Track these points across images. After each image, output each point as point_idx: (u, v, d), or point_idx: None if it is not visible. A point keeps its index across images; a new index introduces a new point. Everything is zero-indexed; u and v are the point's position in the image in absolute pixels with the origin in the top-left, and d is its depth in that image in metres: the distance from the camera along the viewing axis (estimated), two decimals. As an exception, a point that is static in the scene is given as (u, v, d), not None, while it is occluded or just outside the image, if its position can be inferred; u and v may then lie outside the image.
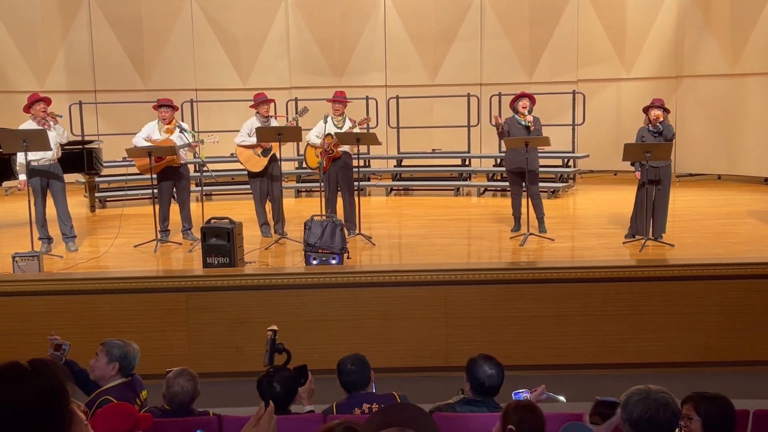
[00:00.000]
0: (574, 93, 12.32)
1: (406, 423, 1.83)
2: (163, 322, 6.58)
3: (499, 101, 11.94)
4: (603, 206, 10.61)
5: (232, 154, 9.72)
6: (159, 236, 8.44)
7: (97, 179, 11.01)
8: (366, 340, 6.35)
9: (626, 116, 12.68)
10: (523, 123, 8.57)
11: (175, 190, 8.80)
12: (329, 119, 8.65)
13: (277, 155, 8.66)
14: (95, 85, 13.28)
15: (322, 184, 8.82)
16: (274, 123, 8.90)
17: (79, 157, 9.94)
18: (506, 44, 13.49)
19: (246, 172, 9.13)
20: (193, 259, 8.02)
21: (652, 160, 7.93)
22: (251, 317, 6.54)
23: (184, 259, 8.24)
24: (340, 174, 8.83)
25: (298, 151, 12.07)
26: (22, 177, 8.08)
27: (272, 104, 8.96)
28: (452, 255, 8.05)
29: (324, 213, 8.16)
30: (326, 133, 8.65)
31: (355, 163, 8.92)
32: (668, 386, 3.11)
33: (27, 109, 8.15)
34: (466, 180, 12.41)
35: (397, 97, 12.57)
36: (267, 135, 8.49)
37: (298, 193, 12.29)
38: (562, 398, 4.01)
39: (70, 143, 9.41)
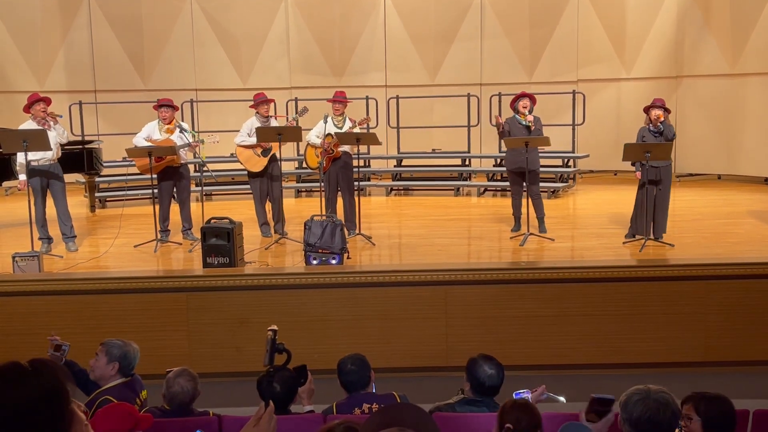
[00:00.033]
0: (574, 93, 12.33)
1: (406, 423, 1.83)
2: (163, 322, 6.58)
3: (499, 101, 11.94)
4: (603, 206, 10.61)
5: (232, 154, 9.72)
6: (159, 236, 8.44)
7: (97, 179, 11.01)
8: (366, 340, 6.34)
9: (626, 116, 12.69)
10: (524, 123, 8.57)
11: (175, 190, 8.80)
12: (329, 119, 8.65)
13: (277, 155, 8.66)
14: (95, 85, 13.28)
15: (322, 184, 8.82)
16: (273, 123, 8.90)
17: (79, 157, 9.94)
18: (506, 44, 13.49)
19: (246, 172, 9.13)
20: (193, 259, 8.02)
21: (652, 160, 7.93)
22: (251, 317, 6.54)
23: (184, 259, 8.24)
24: (340, 174, 8.83)
25: (298, 151, 12.07)
26: (22, 177, 8.07)
27: (272, 104, 8.96)
28: (452, 255, 8.05)
29: (324, 213, 8.16)
30: (326, 133, 8.66)
31: (355, 163, 8.92)
32: (668, 386, 3.11)
33: (27, 109, 8.15)
34: (466, 180, 12.41)
35: (397, 97, 12.57)
36: (267, 135, 8.49)
37: (298, 193, 12.29)
38: (562, 399, 4.01)
39: (70, 143, 9.41)
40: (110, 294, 6.66)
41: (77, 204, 10.82)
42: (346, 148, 8.77)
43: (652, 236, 8.00)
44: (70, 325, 6.29)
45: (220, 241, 7.33)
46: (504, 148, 9.36)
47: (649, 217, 8.03)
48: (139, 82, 13.34)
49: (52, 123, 8.12)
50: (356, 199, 8.79)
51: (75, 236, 8.43)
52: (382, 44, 13.60)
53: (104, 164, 10.64)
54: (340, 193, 8.91)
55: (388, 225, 10.00)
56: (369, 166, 12.64)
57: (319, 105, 9.75)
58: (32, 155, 7.92)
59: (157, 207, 8.60)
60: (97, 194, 11.06)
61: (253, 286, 6.71)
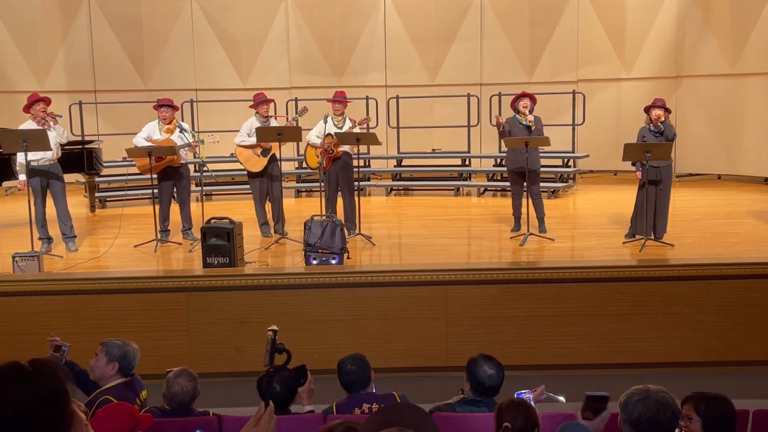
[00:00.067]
0: (574, 93, 12.33)
1: (406, 423, 1.83)
2: (163, 322, 6.58)
3: (499, 101, 11.94)
4: (603, 206, 10.61)
5: (232, 154, 9.72)
6: (159, 236, 8.44)
7: (97, 179, 11.01)
8: (366, 340, 6.34)
9: (626, 116, 12.69)
10: (524, 123, 8.57)
11: (175, 190, 8.80)
12: (329, 119, 8.64)
13: (277, 155, 8.66)
14: (95, 85, 13.28)
15: (322, 184, 8.82)
16: (273, 123, 8.90)
17: (79, 157, 9.94)
18: (506, 44, 13.49)
19: (246, 172, 9.13)
20: (193, 259, 8.02)
21: (652, 160, 7.93)
22: (251, 317, 6.54)
23: (184, 259, 8.24)
24: (340, 174, 8.83)
25: (298, 151, 12.07)
26: (22, 177, 8.07)
27: (272, 104, 8.96)
28: (452, 255, 8.05)
29: (324, 213, 8.16)
30: (326, 133, 8.65)
31: (355, 163, 8.92)
32: (668, 386, 3.12)
33: (27, 109, 8.15)
34: (466, 180, 12.42)
35: (397, 97, 12.57)
36: (267, 135, 8.49)
37: (298, 193, 12.29)
38: (561, 398, 4.01)
39: (70, 143, 9.41)
40: (110, 294, 6.66)
41: (77, 204, 10.82)
42: (346, 148, 8.77)
43: (652, 236, 8.00)
44: (70, 325, 6.29)
45: (220, 241, 7.33)
46: (504, 148, 9.36)
47: (649, 217, 8.03)
48: (139, 82, 13.34)
49: (51, 123, 8.12)
50: (356, 199, 8.79)
51: (75, 236, 8.43)
52: (382, 44, 13.60)
53: (104, 164, 10.64)
54: (340, 193, 8.91)
55: (388, 225, 10.00)
56: (369, 166, 12.64)
57: (319, 105, 9.75)
58: (32, 155, 7.92)
59: (157, 207, 8.60)
60: (97, 194, 11.06)
61: (253, 286, 6.71)
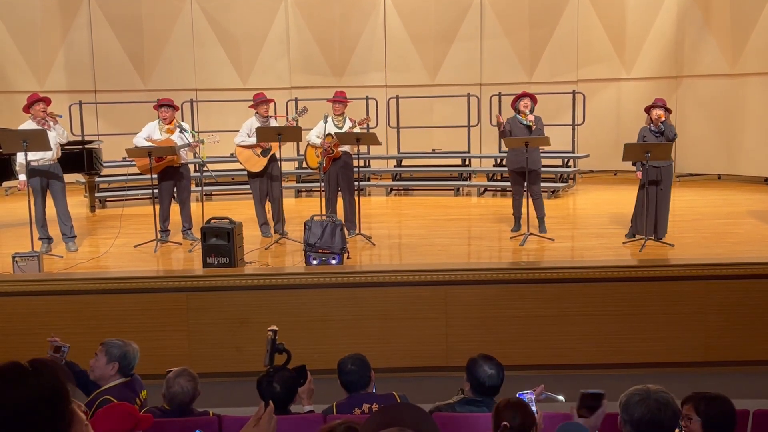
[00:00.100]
0: (574, 93, 12.33)
1: (406, 423, 1.83)
2: (163, 322, 6.58)
3: (499, 101, 11.94)
4: (603, 206, 10.61)
5: (232, 154, 9.72)
6: (159, 236, 8.44)
7: (97, 179, 11.01)
8: (366, 340, 6.34)
9: (626, 116, 12.69)
10: (525, 122, 8.57)
11: (175, 189, 8.80)
12: (329, 119, 8.64)
13: (277, 155, 8.66)
14: (95, 85, 13.28)
15: (322, 184, 8.82)
16: (273, 123, 8.90)
17: (79, 157, 9.94)
18: (506, 44, 13.50)
19: (246, 172, 9.13)
20: (193, 259, 8.02)
21: (652, 160, 7.93)
22: (251, 317, 6.54)
23: (184, 259, 8.24)
24: (340, 174, 8.83)
25: (298, 151, 12.07)
26: (22, 177, 8.07)
27: (272, 104, 8.96)
28: (452, 255, 8.05)
29: (324, 213, 8.16)
30: (326, 133, 8.65)
31: (355, 163, 8.92)
32: (668, 386, 3.12)
33: (27, 109, 8.15)
34: (466, 180, 12.42)
35: (397, 97, 12.57)
36: (267, 135, 8.49)
37: (298, 193, 12.29)
38: (561, 398, 4.01)
39: (70, 143, 9.41)
40: (110, 294, 6.66)
41: (77, 204, 10.82)
42: (346, 148, 8.77)
43: (652, 236, 8.00)
44: (70, 325, 6.29)
45: (220, 241, 7.33)
46: (504, 148, 9.35)
47: (650, 217, 8.03)
48: (139, 82, 13.34)
49: (51, 123, 8.12)
50: (356, 199, 8.79)
51: (75, 236, 8.43)
52: (382, 44, 13.60)
53: (104, 164, 10.64)
54: (340, 193, 8.91)
55: (388, 225, 10.00)
56: (369, 166, 12.64)
57: (319, 105, 9.75)
58: (32, 155, 7.92)
59: (157, 207, 8.60)
60: (97, 194, 11.06)
61: (253, 286, 6.71)
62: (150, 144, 8.45)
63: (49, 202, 8.22)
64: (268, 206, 8.95)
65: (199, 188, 9.66)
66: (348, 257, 7.69)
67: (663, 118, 8.08)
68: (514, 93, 9.31)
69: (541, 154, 9.08)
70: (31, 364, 1.83)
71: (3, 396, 1.76)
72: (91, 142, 10.75)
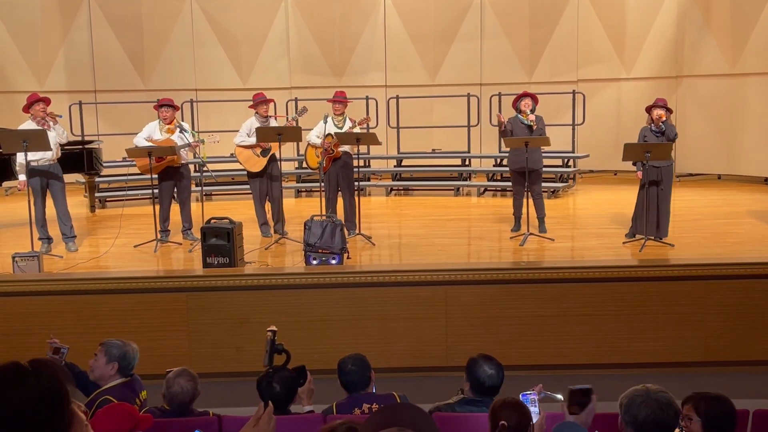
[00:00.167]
0: (574, 93, 12.33)
1: (405, 423, 1.83)
2: (163, 322, 6.58)
3: (499, 101, 11.94)
4: (603, 206, 10.61)
5: (232, 154, 9.72)
6: (159, 236, 8.44)
7: (97, 179, 11.01)
8: (366, 340, 6.34)
9: (626, 116, 12.70)
10: (526, 122, 8.57)
11: (175, 189, 8.80)
12: (329, 119, 8.65)
13: (277, 155, 8.65)
14: (95, 85, 13.28)
15: (323, 184, 8.82)
16: (273, 123, 8.90)
17: (79, 157, 9.94)
18: (506, 44, 13.50)
19: (246, 172, 9.13)
20: (193, 259, 8.02)
21: (652, 160, 7.93)
22: (251, 317, 6.54)
23: (184, 259, 8.24)
24: (340, 174, 8.83)
25: (298, 151, 12.07)
26: (22, 177, 8.07)
27: (271, 104, 8.96)
28: (452, 255, 8.05)
29: (324, 213, 8.16)
30: (326, 133, 8.65)
31: (355, 163, 8.92)
32: (668, 386, 3.12)
33: (26, 109, 8.15)
34: (466, 180, 12.42)
35: (397, 97, 12.57)
36: (267, 135, 8.49)
37: (298, 193, 12.29)
38: (560, 397, 4.01)
39: (70, 143, 9.42)
40: (110, 294, 6.66)
41: (77, 204, 10.82)
42: (346, 148, 8.77)
43: (652, 236, 7.99)
44: (70, 325, 6.29)
45: (220, 241, 7.33)
46: (504, 148, 9.35)
47: (651, 217, 8.04)
48: (139, 82, 13.34)
49: (51, 123, 8.12)
50: (356, 199, 8.79)
51: (75, 236, 8.43)
52: (382, 44, 13.60)
53: (104, 164, 10.64)
54: (340, 193, 8.91)
55: (388, 225, 10.00)
56: (369, 166, 12.64)
57: (319, 105, 9.75)
58: (32, 155, 7.92)
59: (158, 207, 8.60)
60: (97, 194, 11.06)
61: (253, 286, 6.71)
62: (150, 144, 8.45)
63: (49, 202, 8.22)
64: (267, 206, 8.95)
65: (199, 188, 9.66)
66: (348, 257, 7.69)
67: (664, 118, 8.08)
68: (514, 93, 9.31)
69: (543, 154, 9.08)
70: (31, 364, 1.83)
71: (3, 396, 1.76)
72: (91, 142, 10.75)
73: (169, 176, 8.66)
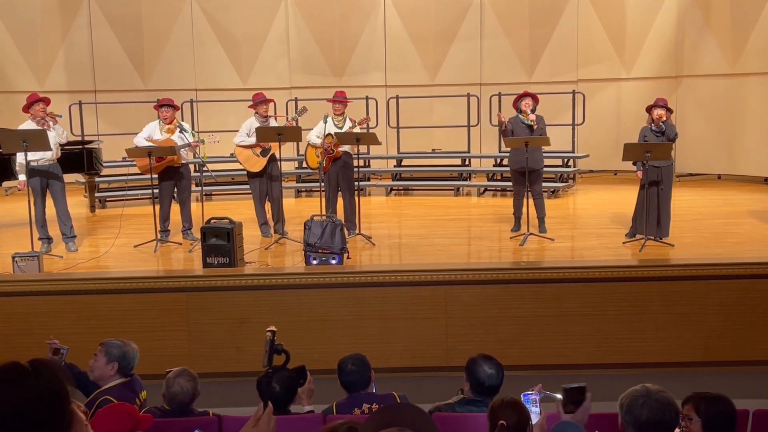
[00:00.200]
0: (574, 93, 12.33)
1: (405, 423, 1.83)
2: (163, 322, 6.58)
3: (499, 101, 11.94)
4: (603, 206, 10.61)
5: (231, 154, 9.72)
6: (159, 236, 8.44)
7: (97, 179, 11.01)
8: (366, 340, 6.34)
9: (626, 116, 12.70)
10: (527, 122, 8.57)
11: (175, 189, 8.80)
12: (329, 119, 8.65)
13: (277, 155, 8.65)
14: (95, 85, 13.28)
15: (323, 184, 8.82)
16: (273, 123, 8.90)
17: (79, 157, 9.94)
18: (506, 44, 13.50)
19: (245, 172, 9.13)
20: (193, 259, 8.02)
21: (652, 160, 7.93)
22: (251, 317, 6.54)
23: (184, 259, 8.24)
24: (340, 174, 8.83)
25: (298, 151, 12.08)
26: (22, 177, 8.07)
27: (271, 104, 8.96)
28: (452, 255, 8.05)
29: (324, 213, 8.16)
30: (326, 133, 8.65)
31: (355, 163, 8.92)
32: (668, 386, 3.12)
33: (26, 109, 8.15)
34: (466, 180, 12.42)
35: (397, 97, 12.57)
36: (267, 135, 8.49)
37: (298, 193, 12.29)
38: (559, 397, 4.01)
39: (70, 143, 9.42)
40: (110, 294, 6.66)
41: (77, 204, 10.82)
42: (346, 148, 8.76)
43: (653, 236, 7.99)
44: (70, 325, 6.29)
45: (220, 241, 7.33)
46: (504, 148, 9.34)
47: (651, 217, 8.04)
48: (139, 82, 13.34)
49: (51, 123, 8.12)
50: (356, 199, 8.79)
51: (75, 236, 8.43)
52: (382, 44, 13.60)
53: (104, 164, 10.64)
54: (340, 193, 8.91)
55: (388, 225, 10.00)
56: (369, 166, 12.64)
57: (319, 105, 9.75)
58: (32, 155, 7.92)
59: (158, 207, 8.60)
60: (97, 194, 11.06)
61: (253, 286, 6.71)
62: (150, 144, 8.45)
63: (49, 202, 8.22)
64: (267, 206, 8.95)
65: (199, 188, 9.66)
66: (348, 257, 7.69)
67: (664, 118, 8.08)
68: (514, 93, 9.31)
69: (543, 154, 9.08)
70: (31, 364, 1.83)
71: (3, 396, 1.76)
72: (91, 142, 10.75)
73: (169, 176, 8.66)
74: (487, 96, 12.58)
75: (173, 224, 8.81)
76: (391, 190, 12.38)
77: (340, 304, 6.68)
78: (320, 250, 7.49)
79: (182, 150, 8.51)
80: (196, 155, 8.72)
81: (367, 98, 12.36)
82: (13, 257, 7.26)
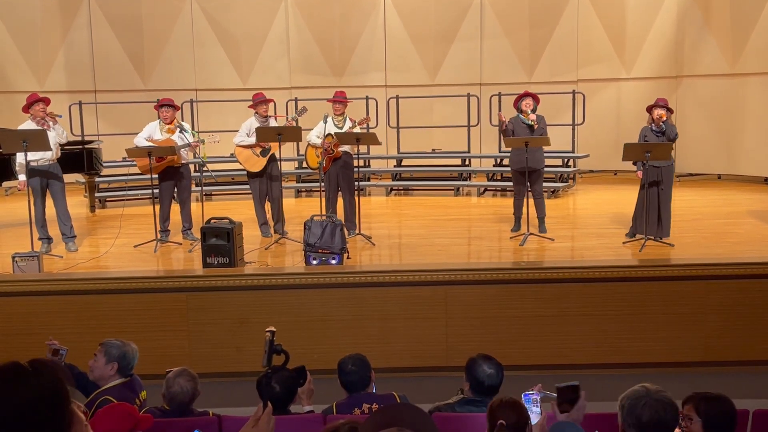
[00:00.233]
0: (574, 93, 12.33)
1: (405, 423, 1.83)
2: (163, 322, 6.58)
3: (499, 101, 11.94)
4: (603, 206, 10.61)
5: (231, 154, 9.72)
6: (159, 236, 8.44)
7: (97, 179, 11.01)
8: (366, 340, 6.34)
9: (626, 116, 12.70)
10: (527, 122, 8.57)
11: (175, 189, 8.80)
12: (329, 119, 8.65)
13: (277, 155, 8.65)
14: (95, 85, 13.28)
15: (323, 184, 8.82)
16: (273, 123, 8.90)
17: (79, 157, 9.94)
18: (506, 44, 13.50)
19: (245, 172, 9.13)
20: (193, 259, 8.02)
21: (651, 160, 7.93)
22: (251, 317, 6.54)
23: (184, 259, 8.24)
24: (340, 174, 8.83)
25: (298, 151, 12.08)
26: (22, 177, 8.07)
27: (271, 104, 8.96)
28: (452, 255, 8.05)
29: (324, 213, 8.16)
30: (326, 133, 8.65)
31: (355, 163, 8.92)
32: (668, 386, 3.12)
33: (26, 109, 8.15)
34: (466, 180, 12.42)
35: (397, 97, 12.57)
36: (267, 135, 8.49)
37: (298, 193, 12.29)
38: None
39: (70, 143, 9.42)
40: (110, 294, 6.66)
41: (77, 204, 10.82)
42: (346, 148, 8.76)
43: (653, 236, 7.99)
44: (70, 325, 6.30)
45: (220, 241, 7.33)
46: (504, 148, 9.34)
47: (652, 216, 8.04)
48: (139, 82, 13.34)
49: (51, 123, 8.12)
50: (356, 199, 8.79)
51: (75, 236, 8.43)
52: (382, 44, 13.60)
53: (104, 164, 10.64)
54: (340, 193, 8.91)
55: (388, 225, 10.00)
56: (369, 166, 12.64)
57: (319, 105, 9.75)
58: (32, 155, 7.92)
59: (158, 207, 8.60)
60: (97, 194, 11.06)
61: (253, 286, 6.71)
62: (150, 144, 8.45)
63: (49, 202, 8.22)
64: (267, 206, 8.95)
65: (199, 188, 9.66)
66: (348, 257, 7.69)
67: (664, 118, 8.08)
68: (514, 93, 9.30)
69: (544, 154, 9.07)
70: (31, 364, 1.83)
71: (3, 396, 1.76)
72: (91, 142, 10.75)
73: (170, 176, 8.66)
74: (487, 96, 12.58)
75: (173, 224, 8.81)
76: (391, 190, 12.38)
77: (340, 304, 6.68)
78: (320, 250, 7.49)
79: (182, 150, 8.51)
80: (196, 155, 8.72)
81: (367, 98, 12.36)
82: (13, 257, 7.26)
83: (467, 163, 12.59)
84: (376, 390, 4.45)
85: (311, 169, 9.23)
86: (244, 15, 13.39)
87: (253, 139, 8.66)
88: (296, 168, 12.42)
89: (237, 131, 8.94)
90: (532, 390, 3.70)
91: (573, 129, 12.23)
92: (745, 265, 6.81)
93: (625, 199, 9.75)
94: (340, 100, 8.81)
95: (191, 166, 9.47)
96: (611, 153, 11.92)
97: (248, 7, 13.35)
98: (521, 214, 8.75)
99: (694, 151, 12.59)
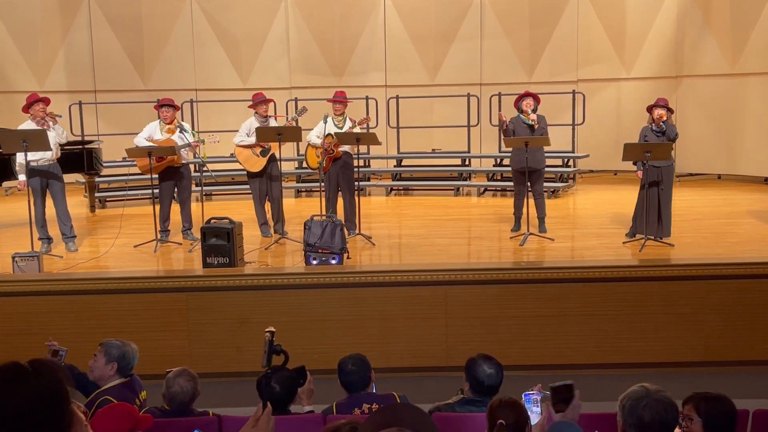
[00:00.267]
0: (574, 93, 12.33)
1: (405, 423, 1.83)
2: (163, 322, 6.58)
3: (499, 101, 11.94)
4: (603, 206, 10.61)
5: (231, 154, 9.72)
6: (159, 236, 8.44)
7: (97, 179, 11.01)
8: (366, 340, 6.34)
9: (626, 116, 12.70)
10: (528, 122, 8.57)
11: (176, 189, 8.81)
12: (329, 119, 8.65)
13: (276, 155, 8.65)
14: (95, 85, 13.28)
15: (323, 184, 8.82)
16: (273, 123, 8.90)
17: (79, 157, 9.94)
18: (506, 44, 13.50)
19: (245, 172, 9.13)
20: (193, 259, 8.02)
21: (651, 160, 7.93)
22: (251, 317, 6.54)
23: (184, 259, 8.24)
24: (340, 174, 8.83)
25: (298, 151, 12.08)
26: (22, 177, 8.07)
27: (271, 104, 8.96)
28: (452, 255, 8.05)
29: (324, 213, 8.16)
30: (326, 133, 8.65)
31: (355, 163, 8.92)
32: (668, 386, 3.11)
33: (26, 109, 8.15)
34: (466, 180, 12.42)
35: (397, 97, 12.57)
36: (267, 135, 8.49)
37: (298, 193, 12.29)
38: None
39: (70, 143, 9.42)
40: (110, 294, 6.66)
41: (77, 204, 10.82)
42: (346, 148, 8.76)
43: (653, 236, 7.99)
44: (70, 326, 6.30)
45: (220, 241, 7.33)
46: (504, 148, 9.34)
47: (652, 216, 8.04)
48: (139, 82, 13.34)
49: (51, 123, 8.12)
50: (356, 199, 8.79)
51: (75, 236, 8.43)
52: (382, 44, 13.60)
53: (104, 164, 10.64)
54: (340, 193, 8.91)
55: (388, 225, 10.00)
56: (369, 166, 12.64)
57: (319, 105, 9.75)
58: (32, 155, 7.92)
59: (158, 207, 8.60)
60: (97, 194, 11.06)
61: (253, 286, 6.71)
62: (150, 144, 8.45)
63: (49, 202, 8.22)
64: (267, 206, 8.95)
65: (199, 188, 9.66)
66: (348, 257, 7.69)
67: (665, 118, 8.08)
68: (514, 93, 9.30)
69: (545, 154, 9.07)
70: (31, 364, 1.83)
71: (3, 396, 1.76)
72: (91, 142, 10.75)
73: (170, 176, 8.66)
74: (487, 96, 12.58)
75: (173, 224, 8.81)
76: (391, 190, 12.38)
77: (340, 304, 6.68)
78: (320, 250, 7.49)
79: (182, 150, 8.51)
80: (197, 155, 8.72)
81: (367, 98, 12.36)
82: (13, 257, 7.27)
83: (467, 163, 12.59)
84: (376, 390, 4.45)
85: (311, 169, 9.23)
86: (244, 15, 13.39)
87: (253, 139, 8.66)
88: (296, 168, 12.42)
89: (237, 131, 8.94)
90: (532, 390, 3.70)
91: (573, 129, 12.23)
92: (745, 265, 6.81)
93: (625, 199, 9.75)
94: (340, 100, 8.81)
95: (191, 166, 9.47)
96: (611, 153, 11.92)
97: (248, 7, 13.35)
98: (521, 214, 8.74)
99: (694, 151, 12.59)
